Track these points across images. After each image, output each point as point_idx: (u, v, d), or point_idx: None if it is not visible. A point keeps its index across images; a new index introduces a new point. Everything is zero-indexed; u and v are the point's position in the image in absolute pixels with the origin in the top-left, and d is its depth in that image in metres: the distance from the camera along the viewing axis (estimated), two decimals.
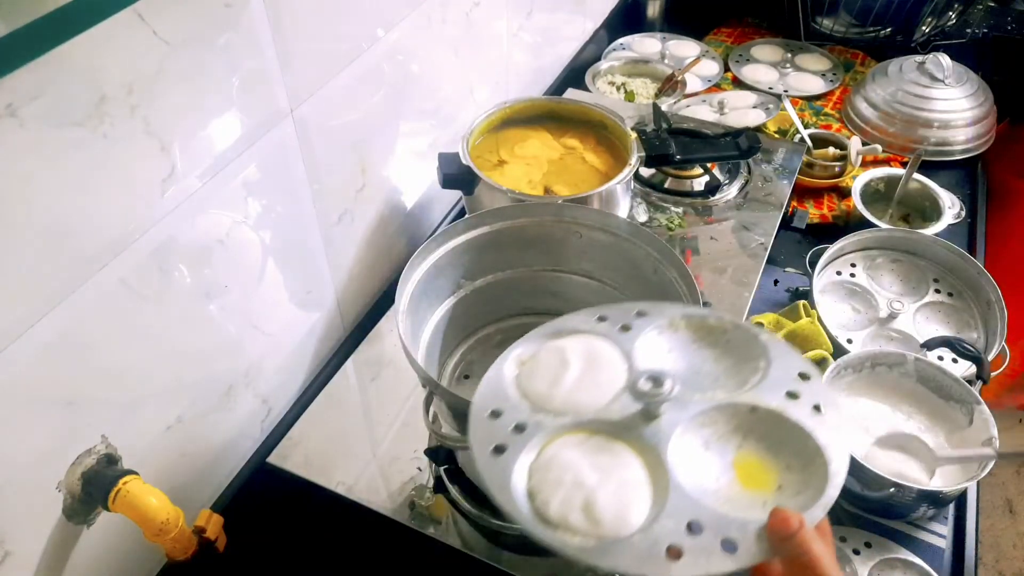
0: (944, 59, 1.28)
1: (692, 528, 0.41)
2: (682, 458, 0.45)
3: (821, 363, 0.88)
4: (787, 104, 1.34)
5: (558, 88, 1.38)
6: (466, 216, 0.74)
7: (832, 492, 0.42)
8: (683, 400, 0.48)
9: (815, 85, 1.45)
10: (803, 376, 0.49)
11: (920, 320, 0.99)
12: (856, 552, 0.76)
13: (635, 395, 0.47)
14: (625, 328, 0.54)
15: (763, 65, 1.50)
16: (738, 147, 1.05)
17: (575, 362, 0.52)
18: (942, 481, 0.78)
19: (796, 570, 0.40)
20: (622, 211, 0.94)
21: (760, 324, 0.90)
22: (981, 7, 1.58)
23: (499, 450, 0.46)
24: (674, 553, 0.40)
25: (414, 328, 0.68)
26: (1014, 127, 1.41)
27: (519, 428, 0.48)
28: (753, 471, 0.46)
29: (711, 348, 0.53)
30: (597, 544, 0.42)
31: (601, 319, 0.55)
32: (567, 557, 0.42)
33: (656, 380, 0.46)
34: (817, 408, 0.47)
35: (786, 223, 1.13)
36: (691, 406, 0.48)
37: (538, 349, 0.54)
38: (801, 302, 0.94)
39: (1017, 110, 1.42)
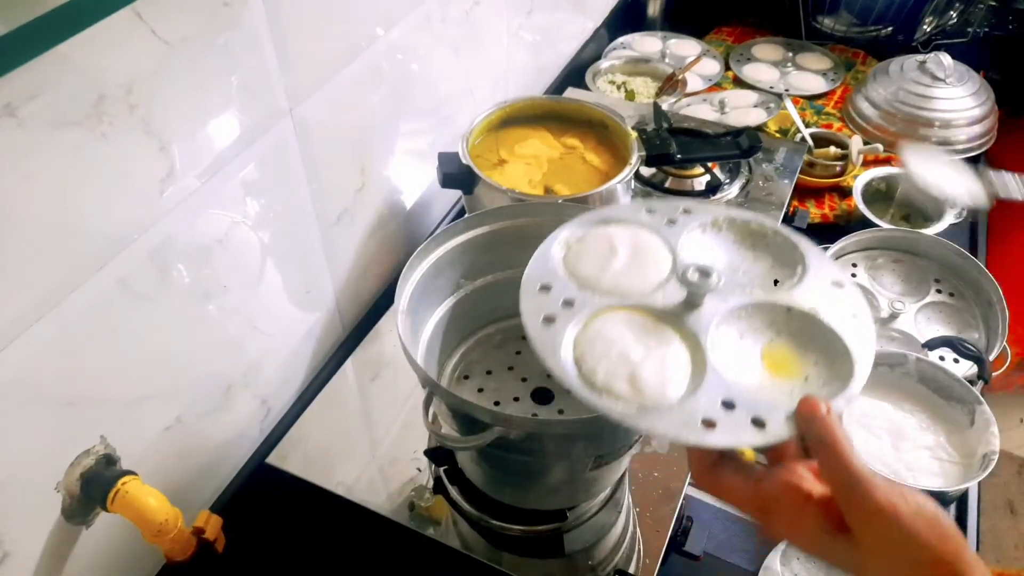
0: (945, 58, 1.27)
1: (726, 405, 0.45)
2: (719, 345, 0.49)
3: None
4: (788, 103, 1.33)
5: (558, 87, 1.38)
6: (466, 216, 0.74)
7: (856, 387, 0.45)
8: (723, 294, 0.51)
9: (816, 84, 1.44)
10: (837, 284, 0.52)
11: (921, 320, 0.99)
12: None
13: (683, 283, 0.50)
14: (671, 222, 0.57)
15: (764, 64, 1.50)
16: (739, 146, 1.04)
17: (622, 249, 0.55)
18: (944, 482, 0.78)
19: (817, 448, 0.42)
20: None
21: None
22: (982, 6, 1.57)
23: (548, 320, 0.50)
24: (708, 424, 0.44)
25: (414, 328, 0.68)
26: (1013, 119, 1.40)
27: (568, 302, 0.51)
28: (782, 362, 0.49)
29: (751, 250, 0.57)
30: (639, 411, 0.45)
31: (649, 211, 0.58)
32: (611, 418, 0.45)
33: (704, 272, 0.49)
34: (850, 314, 0.50)
35: (787, 222, 1.13)
36: (731, 300, 0.51)
37: (585, 234, 0.57)
38: None
39: (1017, 108, 1.42)
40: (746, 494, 0.45)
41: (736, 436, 0.43)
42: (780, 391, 0.47)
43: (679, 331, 0.50)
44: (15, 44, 0.44)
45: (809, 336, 0.50)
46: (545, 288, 0.52)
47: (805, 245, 0.55)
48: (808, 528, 0.42)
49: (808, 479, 0.43)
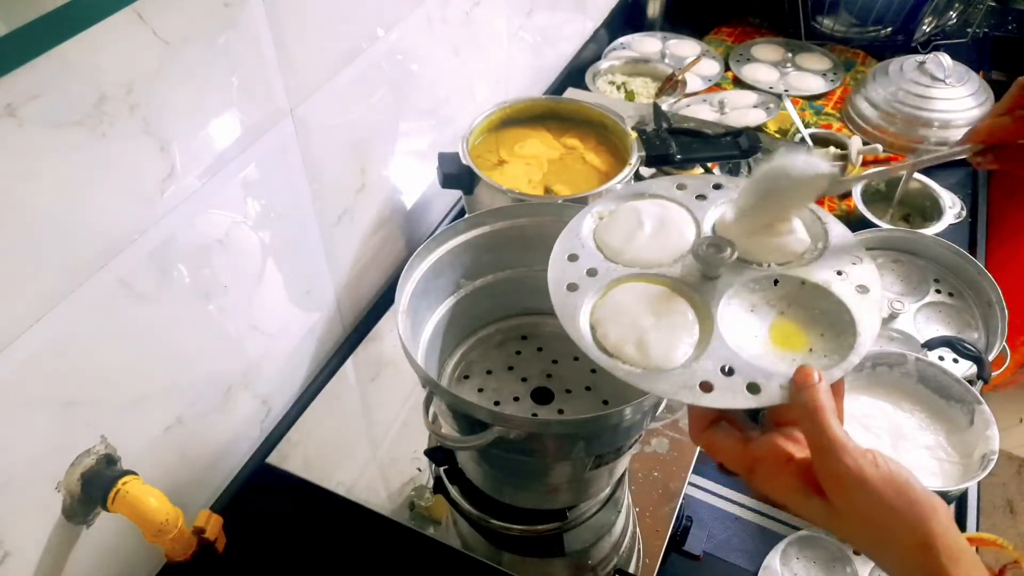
0: (945, 59, 1.27)
1: (725, 371, 0.47)
2: (729, 316, 0.51)
3: None
4: (788, 104, 1.33)
5: (558, 87, 1.38)
6: (466, 216, 0.74)
7: (854, 359, 0.47)
8: (740, 266, 0.53)
9: (816, 85, 1.44)
10: (855, 260, 0.54)
11: (921, 320, 0.99)
12: (857, 552, 0.76)
13: (696, 258, 0.52)
14: (701, 197, 0.59)
15: (763, 64, 1.50)
16: (738, 147, 1.04)
17: (648, 222, 0.57)
18: (943, 481, 0.78)
19: (802, 414, 0.44)
20: None
21: None
22: (982, 6, 1.57)
23: (572, 288, 0.53)
24: (706, 387, 0.46)
25: (414, 328, 0.68)
26: None
27: (591, 272, 0.54)
28: (788, 335, 0.51)
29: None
30: (643, 372, 0.48)
31: (680, 187, 0.60)
32: (618, 377, 0.48)
33: (717, 246, 0.51)
34: (861, 288, 0.51)
35: None
36: (746, 272, 0.53)
37: (617, 207, 0.60)
38: None
39: None
40: (734, 453, 0.47)
41: (730, 399, 0.45)
42: (782, 361, 0.49)
43: (693, 301, 0.52)
44: (15, 44, 0.44)
45: (819, 309, 0.51)
46: (572, 258, 0.55)
47: (829, 220, 0.56)
48: (785, 487, 0.45)
49: (793, 445, 0.46)
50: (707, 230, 0.56)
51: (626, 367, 0.48)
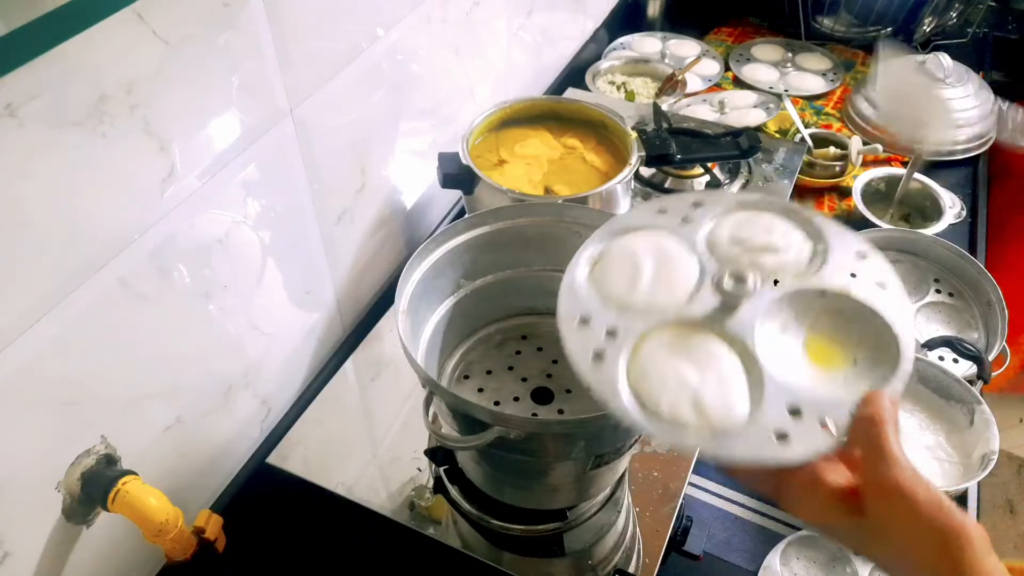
0: (945, 59, 1.27)
1: (792, 412, 0.44)
2: (765, 346, 0.48)
3: None
4: (788, 104, 1.33)
5: (558, 87, 1.38)
6: (466, 216, 0.74)
7: (907, 365, 0.46)
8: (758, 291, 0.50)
9: (816, 84, 1.44)
10: (861, 255, 0.52)
11: (921, 320, 0.99)
12: (857, 552, 0.76)
13: (719, 291, 0.49)
14: (685, 220, 0.56)
15: (764, 64, 1.50)
16: (738, 147, 1.05)
17: (646, 262, 0.54)
18: (943, 482, 0.78)
19: (864, 426, 0.43)
20: (622, 211, 0.94)
21: None
22: (982, 6, 1.57)
23: (598, 357, 0.48)
24: (781, 436, 0.44)
25: (414, 328, 0.68)
26: None
27: (611, 332, 0.49)
28: (827, 350, 0.49)
29: None
30: (712, 436, 0.44)
31: (661, 212, 0.57)
32: (687, 448, 0.46)
33: (740, 278, 0.49)
34: (879, 285, 0.50)
35: None
36: (765, 295, 0.50)
37: (607, 248, 0.56)
38: None
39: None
40: (760, 475, 0.46)
41: (813, 444, 0.43)
42: (832, 381, 0.47)
43: (724, 337, 0.49)
44: (15, 44, 0.44)
45: (847, 316, 0.50)
46: (584, 321, 0.50)
47: (819, 219, 0.55)
48: (815, 506, 0.44)
49: (822, 466, 0.45)
50: (703, 252, 0.54)
51: (695, 436, 0.45)
